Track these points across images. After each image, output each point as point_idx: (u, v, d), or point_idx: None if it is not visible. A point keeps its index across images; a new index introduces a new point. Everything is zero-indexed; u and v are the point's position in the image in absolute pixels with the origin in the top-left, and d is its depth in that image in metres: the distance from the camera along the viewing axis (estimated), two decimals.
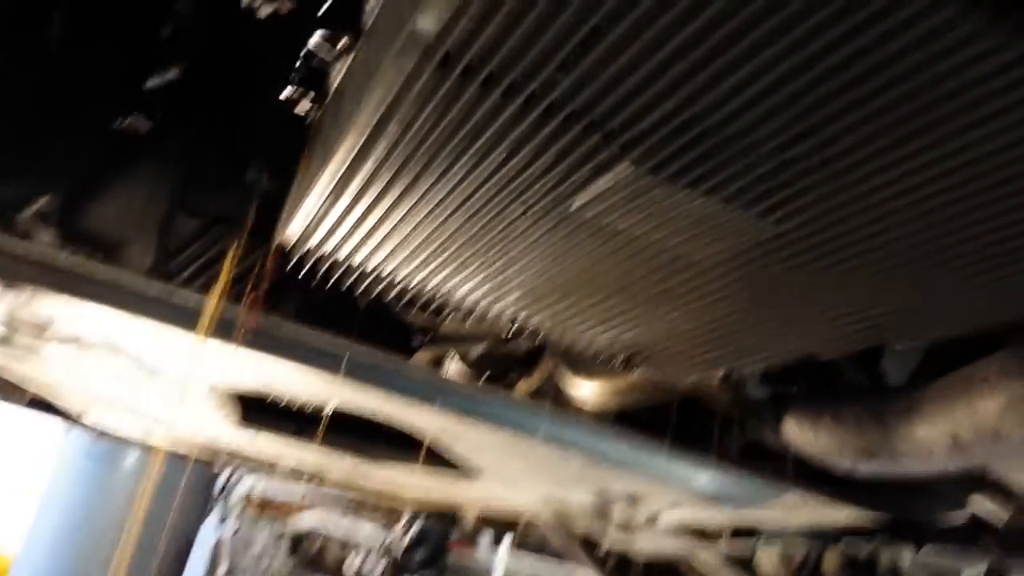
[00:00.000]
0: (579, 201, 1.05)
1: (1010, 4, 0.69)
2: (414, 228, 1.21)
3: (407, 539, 6.64)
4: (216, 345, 1.51)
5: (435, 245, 1.25)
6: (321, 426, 2.01)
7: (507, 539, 6.37)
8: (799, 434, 1.62)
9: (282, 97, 1.23)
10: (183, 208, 1.86)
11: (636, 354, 1.46)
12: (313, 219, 1.24)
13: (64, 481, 5.87)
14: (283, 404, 2.18)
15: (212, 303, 1.44)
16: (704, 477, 1.88)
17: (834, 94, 0.82)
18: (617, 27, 0.78)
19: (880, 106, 0.82)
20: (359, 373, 1.60)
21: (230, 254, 1.51)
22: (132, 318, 1.54)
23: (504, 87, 0.88)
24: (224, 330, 1.49)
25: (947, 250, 1.00)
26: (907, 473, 1.51)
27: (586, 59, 0.82)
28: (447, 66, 0.86)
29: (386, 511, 6.58)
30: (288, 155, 1.51)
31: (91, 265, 1.55)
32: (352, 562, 6.51)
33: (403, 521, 6.64)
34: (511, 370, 2.51)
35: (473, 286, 1.35)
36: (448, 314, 1.63)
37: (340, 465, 2.54)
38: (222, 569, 6.39)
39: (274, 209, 1.54)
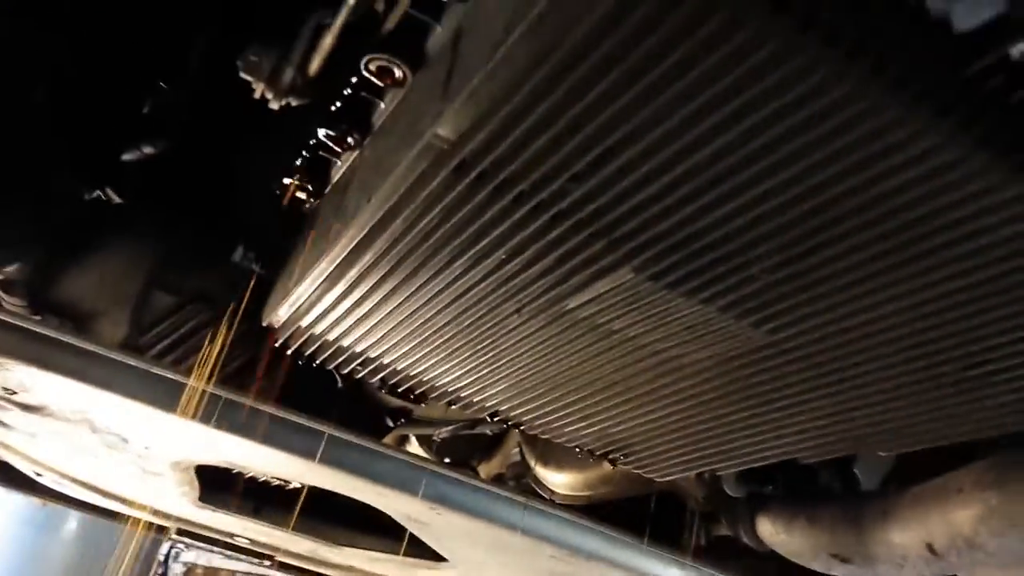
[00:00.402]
0: (575, 301, 1.07)
1: (1010, 146, 0.73)
2: (406, 317, 1.21)
3: None
4: (189, 424, 1.48)
5: (426, 335, 1.25)
6: (294, 515, 1.96)
7: None
8: (773, 534, 1.62)
9: (283, 185, 1.24)
10: (159, 284, 1.84)
11: (618, 450, 1.46)
12: (305, 302, 1.24)
13: (2, 547, 5.63)
14: (245, 478, 2.13)
15: (194, 383, 1.41)
16: (674, 574, 1.86)
17: (830, 223, 0.85)
18: (630, 148, 0.81)
19: (876, 235, 0.85)
20: (334, 458, 1.58)
21: (218, 335, 1.49)
22: (101, 392, 1.50)
23: (515, 193, 0.90)
24: (201, 410, 1.46)
25: (930, 368, 1.02)
26: None
27: (599, 173, 0.84)
28: (461, 171, 0.87)
29: None
30: (275, 239, 1.51)
31: (62, 335, 1.52)
32: None
33: None
34: (473, 455, 2.49)
35: (459, 375, 1.35)
36: (430, 400, 1.62)
37: (299, 546, 2.47)
38: None
39: (257, 291, 1.54)
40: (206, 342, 1.59)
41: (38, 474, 2.45)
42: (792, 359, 1.07)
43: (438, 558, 2.18)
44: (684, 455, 1.40)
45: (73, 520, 5.69)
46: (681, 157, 0.81)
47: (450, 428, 2.27)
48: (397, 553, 2.26)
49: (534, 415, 1.42)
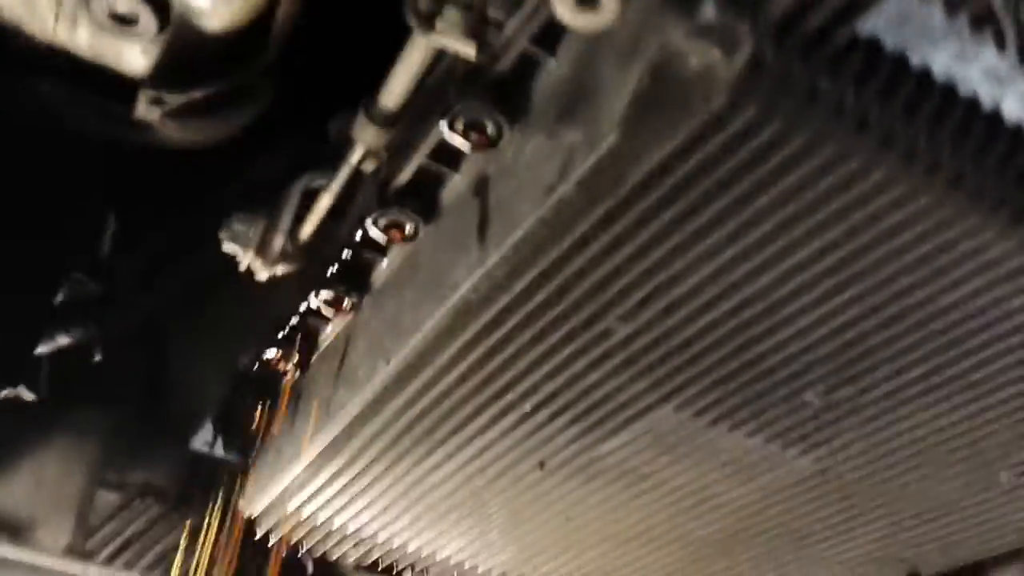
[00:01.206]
0: (607, 448, 0.99)
1: None
2: (412, 486, 1.11)
3: None
4: None
5: (431, 503, 1.14)
6: None
7: None
8: None
9: (255, 360, 1.14)
10: (100, 482, 1.68)
11: None
12: (297, 482, 1.12)
13: None
14: None
15: None
16: None
17: (890, 340, 0.82)
18: (683, 283, 0.76)
19: (940, 345, 0.82)
20: None
21: (185, 531, 1.34)
22: None
23: (552, 340, 0.83)
24: None
25: (986, 475, 0.99)
26: None
27: (646, 311, 0.79)
28: (496, 321, 0.81)
29: None
30: (235, 421, 1.40)
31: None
32: None
33: None
34: None
35: (466, 543, 1.24)
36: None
37: None
38: None
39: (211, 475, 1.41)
40: (173, 539, 1.43)
41: None
42: (840, 485, 1.01)
43: None
44: None
45: None
46: (735, 289, 0.77)
47: None
48: None
49: None
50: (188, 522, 1.39)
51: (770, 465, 0.99)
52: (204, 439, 1.41)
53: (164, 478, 1.64)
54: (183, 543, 1.39)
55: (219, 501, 1.33)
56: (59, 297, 1.62)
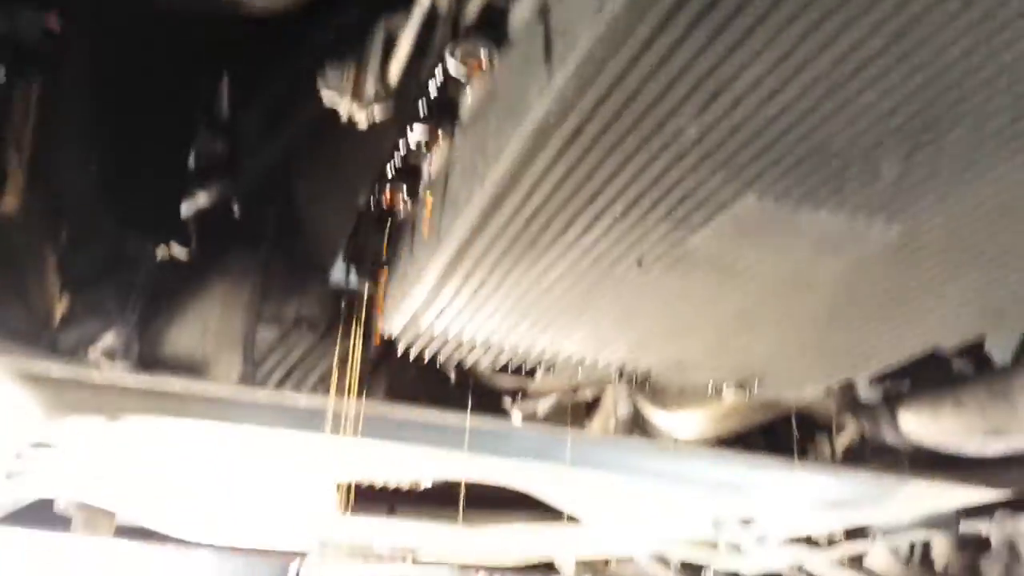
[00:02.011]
0: (697, 240, 1.06)
1: None
2: (525, 294, 1.21)
3: None
4: (333, 442, 1.51)
5: (545, 307, 1.25)
6: (460, 505, 1.99)
7: None
8: (919, 426, 1.61)
9: (373, 196, 1.25)
10: (263, 318, 1.88)
11: (749, 379, 1.46)
12: (424, 302, 1.25)
13: None
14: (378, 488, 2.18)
15: (334, 402, 1.44)
16: (823, 486, 1.86)
17: (958, 101, 0.83)
18: (746, 75, 0.79)
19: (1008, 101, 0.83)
20: (479, 447, 1.60)
21: (349, 350, 1.51)
22: (238, 426, 1.54)
23: (630, 143, 0.89)
24: (340, 424, 1.48)
25: None
26: None
27: (714, 106, 0.83)
28: (575, 135, 0.87)
29: None
30: (367, 252, 1.53)
31: (183, 383, 1.56)
32: None
33: None
34: (577, 419, 2.50)
35: (583, 340, 1.35)
36: (549, 371, 1.63)
37: (436, 538, 2.52)
38: None
39: (356, 299, 1.56)
40: (327, 363, 1.62)
41: (168, 523, 2.53)
42: (929, 247, 1.05)
43: (569, 519, 2.21)
44: (821, 369, 1.39)
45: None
46: (796, 74, 0.80)
47: (551, 400, 2.29)
48: (530, 522, 2.30)
49: (662, 363, 1.42)
50: (338, 345, 1.56)
51: (856, 239, 1.04)
52: (339, 272, 1.56)
53: (313, 309, 1.83)
54: (336, 364, 1.57)
55: (361, 324, 1.49)
56: (192, 162, 1.77)
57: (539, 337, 1.36)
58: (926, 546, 2.90)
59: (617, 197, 0.98)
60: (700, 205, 0.99)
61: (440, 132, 1.07)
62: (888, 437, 1.67)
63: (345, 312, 1.48)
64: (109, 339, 1.84)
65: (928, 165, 0.92)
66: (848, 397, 1.69)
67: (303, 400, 1.48)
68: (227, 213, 1.79)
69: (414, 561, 3.00)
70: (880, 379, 1.58)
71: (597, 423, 2.51)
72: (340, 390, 1.53)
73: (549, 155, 0.90)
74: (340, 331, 1.52)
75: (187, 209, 1.76)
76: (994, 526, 2.22)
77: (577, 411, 2.50)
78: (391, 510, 2.31)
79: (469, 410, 1.55)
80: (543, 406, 2.33)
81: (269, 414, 1.51)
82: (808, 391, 1.50)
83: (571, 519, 2.22)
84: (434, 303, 1.26)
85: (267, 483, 1.98)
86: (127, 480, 1.99)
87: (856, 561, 2.68)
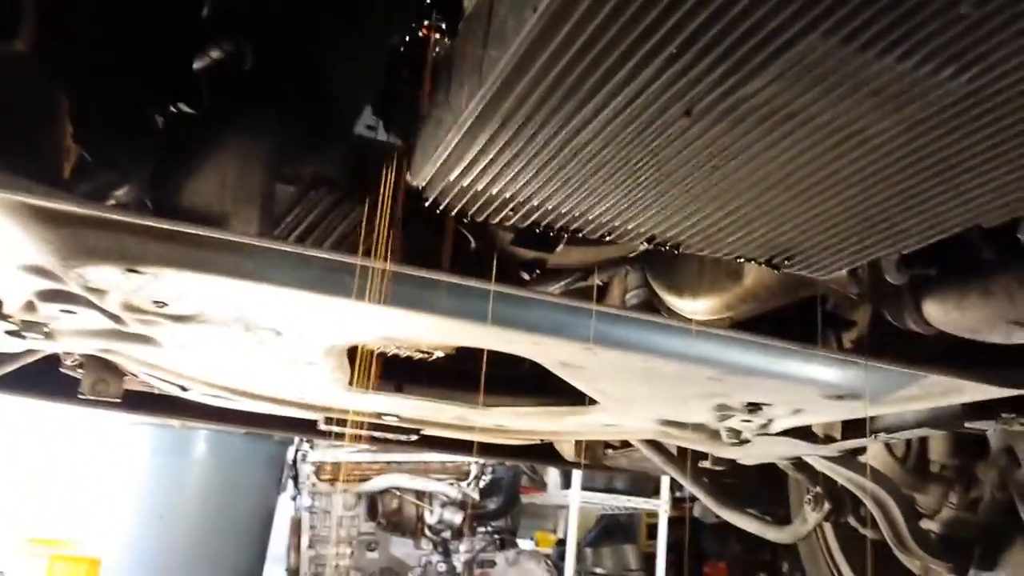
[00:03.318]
0: (753, 87, 1.01)
1: None
2: (563, 146, 1.18)
3: (479, 490, 6.73)
4: (349, 304, 1.49)
5: (582, 162, 1.22)
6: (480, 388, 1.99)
7: (577, 477, 6.43)
8: (944, 313, 1.59)
9: (410, 33, 1.19)
10: (282, 175, 1.84)
11: (782, 253, 1.43)
12: (456, 150, 1.21)
13: (137, 478, 5.95)
14: (391, 356, 2.18)
15: (360, 261, 1.41)
16: (834, 375, 1.85)
17: None
18: None
19: None
20: (496, 314, 1.58)
21: (379, 209, 1.47)
22: (259, 286, 1.52)
23: None
24: (364, 288, 1.46)
25: None
26: None
27: None
28: None
29: (455, 468, 6.65)
30: (395, 101, 1.47)
31: (216, 233, 1.52)
32: (431, 515, 6.61)
33: (473, 474, 6.73)
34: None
35: (615, 202, 1.32)
36: (572, 236, 1.60)
37: (446, 415, 2.53)
38: (304, 541, 6.50)
39: (377, 158, 1.51)
40: (348, 223, 1.58)
41: (184, 389, 2.53)
42: (991, 107, 1.01)
43: (587, 401, 2.21)
44: (856, 244, 1.36)
45: (199, 442, 5.95)
46: None
47: (563, 282, 2.27)
48: (543, 405, 2.30)
49: (695, 231, 1.39)
50: (366, 202, 1.52)
51: (920, 91, 0.99)
52: (366, 123, 1.51)
53: (334, 167, 1.79)
54: (364, 222, 1.53)
55: (388, 180, 1.45)
56: (206, 12, 1.70)
57: (571, 198, 1.32)
58: (922, 446, 2.95)
59: (675, 32, 0.94)
60: (763, 44, 0.94)
61: None
62: (910, 324, 1.66)
63: (372, 166, 1.44)
64: (123, 192, 1.81)
65: (1009, 9, 0.87)
66: (873, 281, 1.67)
67: (324, 257, 1.45)
68: (242, 66, 1.73)
69: (420, 438, 3.04)
70: (908, 262, 1.55)
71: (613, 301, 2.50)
72: (367, 249, 1.50)
73: None
74: (365, 187, 1.48)
75: (199, 63, 1.70)
76: (997, 428, 2.23)
77: (589, 296, 2.49)
78: (399, 388, 2.31)
79: (494, 274, 1.52)
80: (557, 287, 2.32)
81: (290, 270, 1.48)
82: (837, 269, 1.47)
83: (580, 401, 2.23)
84: (466, 153, 1.22)
85: (278, 352, 1.97)
86: (142, 341, 1.98)
87: (852, 457, 2.72)
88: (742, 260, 1.49)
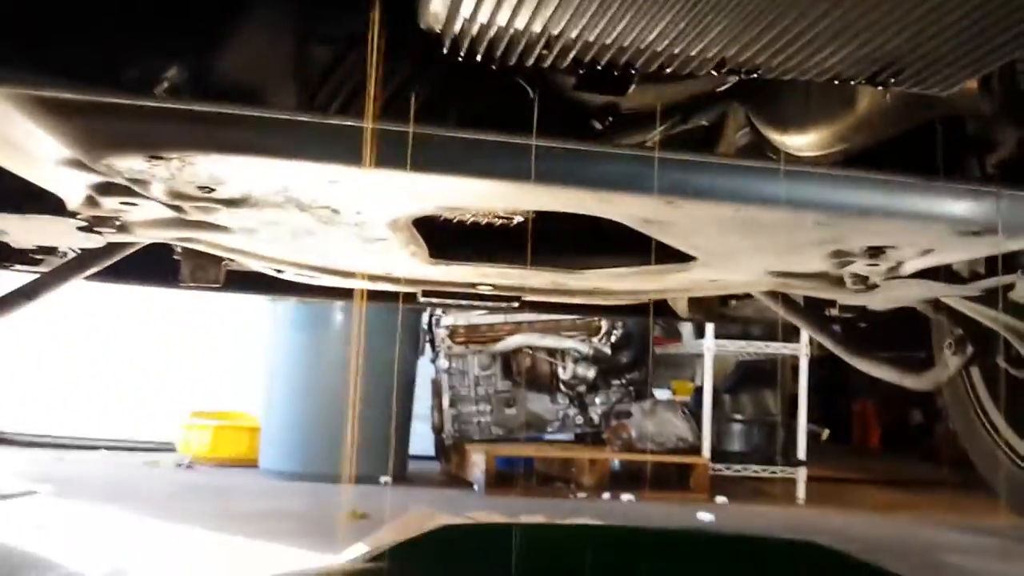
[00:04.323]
0: None
1: None
2: None
3: (611, 344, 6.70)
4: (383, 174, 1.34)
5: None
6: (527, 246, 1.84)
7: (710, 328, 6.25)
8: None
9: None
10: (313, 38, 1.69)
11: (886, 68, 1.16)
12: None
13: (283, 351, 6.22)
14: (471, 224, 2.04)
15: (367, 124, 1.24)
16: (969, 207, 1.57)
17: None
18: None
19: None
20: (546, 172, 1.39)
21: (371, 62, 1.30)
22: (287, 162, 1.39)
23: None
24: (389, 155, 1.30)
25: None
26: None
27: None
28: None
29: (585, 324, 6.62)
30: None
31: (222, 108, 1.39)
32: (564, 371, 6.66)
33: (604, 329, 6.69)
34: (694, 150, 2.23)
35: (671, 24, 1.09)
36: (635, 73, 1.37)
37: (539, 280, 2.40)
38: (446, 400, 6.71)
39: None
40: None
41: (279, 271, 2.50)
42: None
43: (686, 258, 2.01)
44: (978, 46, 1.08)
45: (337, 315, 6.14)
46: None
47: (661, 127, 2.03)
48: (640, 264, 2.12)
49: (772, 49, 1.13)
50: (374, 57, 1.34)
51: None
52: None
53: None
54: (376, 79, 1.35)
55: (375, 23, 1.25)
56: None
57: (611, 26, 1.10)
58: None
59: None
60: None
61: None
62: None
63: (380, 6, 1.24)
64: (173, 74, 1.72)
65: None
66: (1008, 94, 1.36)
67: (345, 123, 1.29)
68: None
69: (521, 304, 2.93)
70: None
71: (722, 150, 2.25)
72: (391, 114, 1.34)
73: None
74: (376, 36, 1.29)
75: None
76: None
77: (693, 143, 2.24)
78: (490, 256, 2.18)
79: (535, 126, 1.32)
80: (652, 135, 2.09)
81: (318, 142, 1.34)
82: (958, 82, 1.19)
83: (678, 258, 2.03)
84: None
85: (347, 229, 1.86)
86: (211, 229, 1.92)
87: (999, 295, 2.42)
88: (838, 82, 1.22)
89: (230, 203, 1.68)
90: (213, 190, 1.61)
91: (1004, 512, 2.83)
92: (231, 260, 2.41)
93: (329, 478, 5.48)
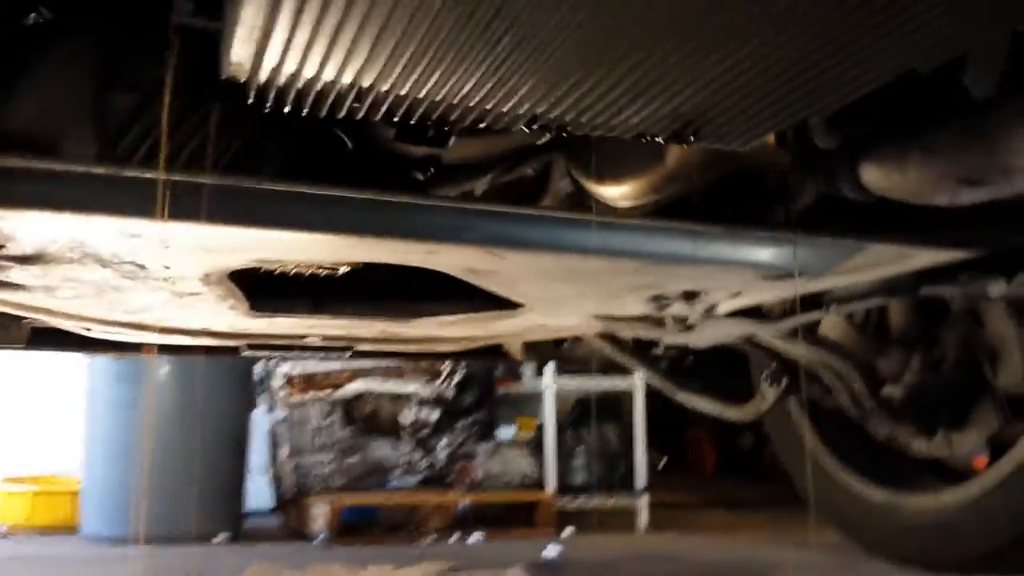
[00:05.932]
0: None
1: None
2: (390, 16, 0.94)
3: (453, 386, 6.68)
4: (188, 227, 1.27)
5: (432, 33, 0.98)
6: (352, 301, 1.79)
7: (550, 366, 6.35)
8: (883, 176, 1.39)
9: None
10: (116, 85, 1.59)
11: (688, 126, 1.21)
12: (260, 33, 0.97)
13: (102, 406, 5.83)
14: (292, 275, 1.98)
15: (163, 175, 1.18)
16: (771, 253, 1.66)
17: None
18: None
19: None
20: (364, 224, 1.36)
21: (164, 111, 1.24)
22: (79, 216, 1.29)
23: None
24: (186, 206, 1.23)
25: None
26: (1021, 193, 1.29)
27: None
28: None
29: (427, 367, 6.57)
30: None
31: (13, 162, 1.28)
32: (406, 417, 6.57)
33: (446, 372, 6.66)
34: (520, 200, 2.27)
35: (480, 80, 1.09)
36: (454, 132, 1.37)
37: (369, 330, 2.35)
38: (284, 452, 6.46)
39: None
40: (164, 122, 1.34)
41: (87, 329, 2.33)
42: None
43: (513, 305, 2.03)
44: (774, 105, 1.14)
45: (162, 366, 5.81)
46: None
47: (487, 177, 2.05)
48: (469, 312, 2.12)
49: (581, 106, 1.16)
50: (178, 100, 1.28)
51: None
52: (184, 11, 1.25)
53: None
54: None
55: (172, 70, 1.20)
56: None
57: (427, 79, 1.09)
58: (882, 313, 2.80)
59: None
60: None
61: None
62: (847, 192, 1.46)
63: (177, 57, 1.19)
64: None
65: None
66: (803, 148, 1.46)
67: (142, 174, 1.22)
68: None
69: (353, 352, 2.87)
70: (839, 123, 1.34)
71: (549, 201, 2.29)
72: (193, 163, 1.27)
73: None
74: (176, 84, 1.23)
75: None
76: (957, 290, 2.07)
77: (520, 192, 2.27)
78: (316, 306, 2.11)
79: (358, 178, 1.29)
80: (478, 185, 2.10)
81: (110, 194, 1.25)
82: (754, 138, 1.25)
83: (505, 305, 2.04)
84: (273, 34, 0.98)
85: (157, 285, 1.75)
86: (6, 287, 1.77)
87: (810, 331, 2.58)
88: (644, 139, 1.27)
89: (23, 260, 1.55)
90: (3, 247, 1.48)
91: (830, 528, 3.00)
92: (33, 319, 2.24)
93: (158, 539, 5.14)
